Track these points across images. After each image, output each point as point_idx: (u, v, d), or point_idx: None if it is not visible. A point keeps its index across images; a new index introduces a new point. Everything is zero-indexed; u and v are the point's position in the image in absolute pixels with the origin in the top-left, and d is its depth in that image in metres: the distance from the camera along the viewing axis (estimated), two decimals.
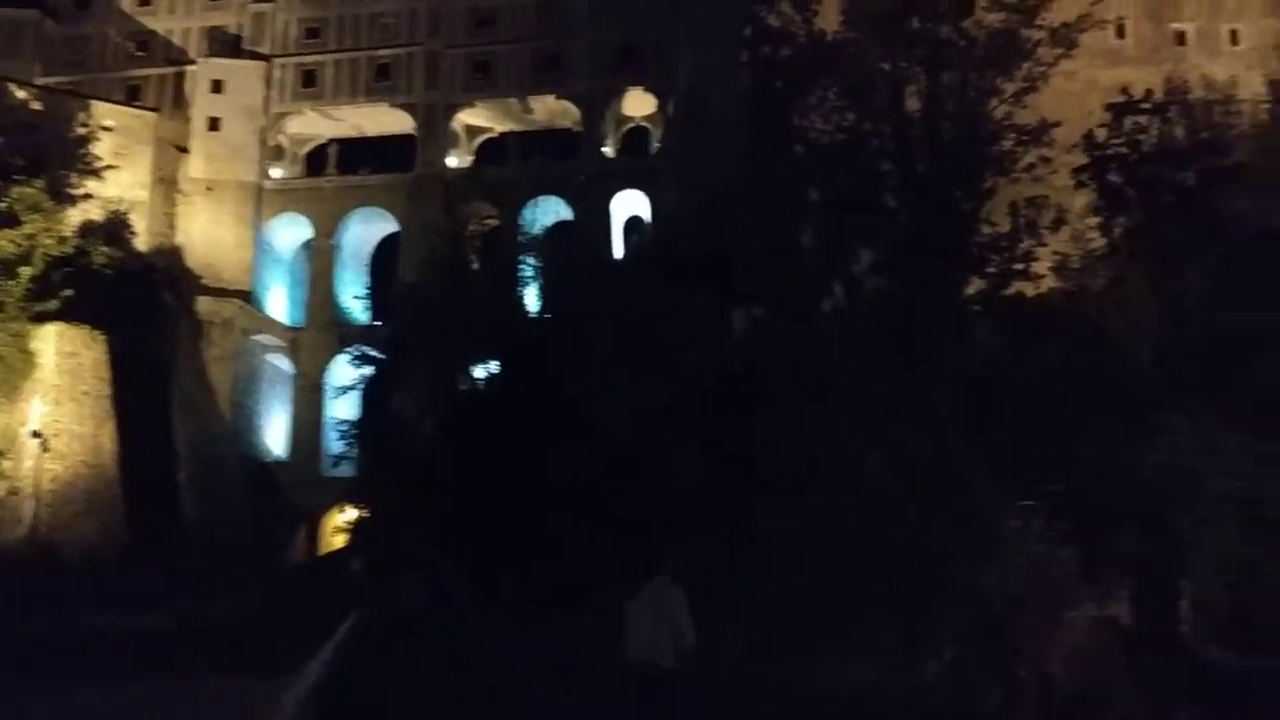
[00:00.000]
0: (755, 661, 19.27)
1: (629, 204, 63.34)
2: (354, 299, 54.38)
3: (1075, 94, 40.74)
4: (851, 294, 30.16)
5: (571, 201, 60.61)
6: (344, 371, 52.59)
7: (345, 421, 48.00)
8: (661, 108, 62.38)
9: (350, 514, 46.42)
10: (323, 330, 64.64)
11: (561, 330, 31.30)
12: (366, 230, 70.50)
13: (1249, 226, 29.47)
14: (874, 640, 22.10)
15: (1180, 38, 44.32)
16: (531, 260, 36.71)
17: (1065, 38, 29.48)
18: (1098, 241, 31.22)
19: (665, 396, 24.58)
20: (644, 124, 67.43)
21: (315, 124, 70.86)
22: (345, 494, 46.54)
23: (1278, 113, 39.58)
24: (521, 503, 26.49)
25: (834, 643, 20.80)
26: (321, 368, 64.23)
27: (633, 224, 62.51)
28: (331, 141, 72.37)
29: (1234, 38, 44.45)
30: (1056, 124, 29.61)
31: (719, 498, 22.81)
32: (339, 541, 53.71)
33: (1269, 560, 25.93)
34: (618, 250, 55.26)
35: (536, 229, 41.73)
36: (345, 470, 45.66)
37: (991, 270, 29.67)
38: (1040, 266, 30.64)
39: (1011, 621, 24.14)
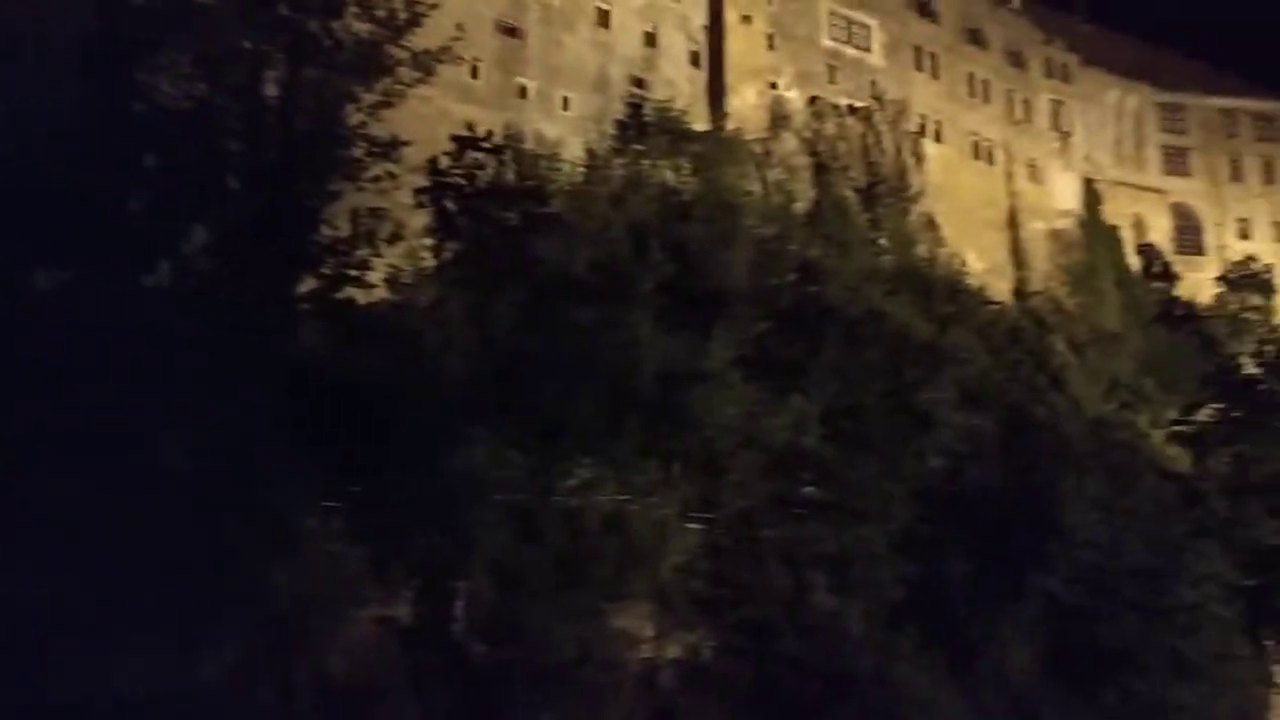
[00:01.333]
0: None
1: None
2: None
3: (427, 120, 42.99)
4: (180, 272, 28.41)
5: None
6: None
7: None
8: None
9: None
10: None
11: None
12: None
13: (554, 269, 33.46)
14: (152, 637, 20.83)
15: (523, 92, 49.20)
16: None
17: (425, 64, 30.97)
18: (429, 261, 33.09)
19: None
20: None
21: None
22: None
23: (590, 175, 45.69)
24: None
25: (102, 640, 19.11)
26: None
27: None
28: None
29: (566, 103, 50.52)
30: (407, 143, 30.94)
31: None
32: None
33: (537, 566, 29.42)
34: None
35: None
36: None
37: (327, 271, 29.97)
38: (374, 276, 31.72)
39: (298, 620, 24.37)
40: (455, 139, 32.79)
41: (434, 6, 31.46)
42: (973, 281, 57.18)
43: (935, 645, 34.42)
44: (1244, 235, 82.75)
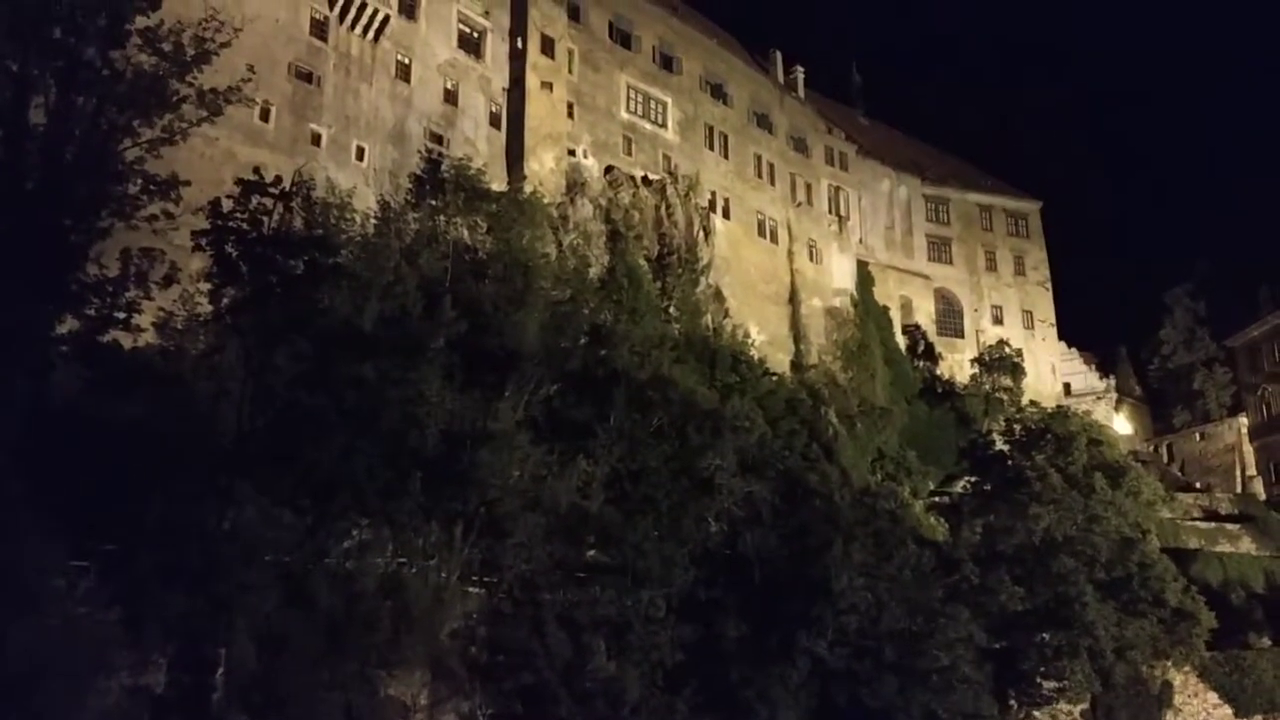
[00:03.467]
0: None
1: None
2: None
3: (211, 160, 41.34)
4: None
5: None
6: None
7: None
8: None
9: None
10: None
11: None
12: None
13: (339, 321, 32.49)
14: None
15: (316, 139, 47.98)
16: None
17: (212, 103, 29.81)
18: (205, 306, 31.53)
19: None
20: None
21: None
22: None
23: (382, 228, 44.87)
24: None
25: None
26: None
27: None
28: None
29: (360, 153, 49.58)
30: (187, 183, 29.56)
31: None
32: None
33: (306, 631, 28.06)
34: None
35: None
36: None
37: (91, 313, 28.12)
38: (143, 319, 29.94)
39: (37, 687, 22.29)
40: (240, 182, 31.48)
41: (225, 45, 30.39)
42: (755, 352, 59.52)
43: (710, 707, 34.95)
44: (997, 321, 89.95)
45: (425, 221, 45.94)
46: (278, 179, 32.91)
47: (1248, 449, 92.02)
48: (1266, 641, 55.38)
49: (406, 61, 53.23)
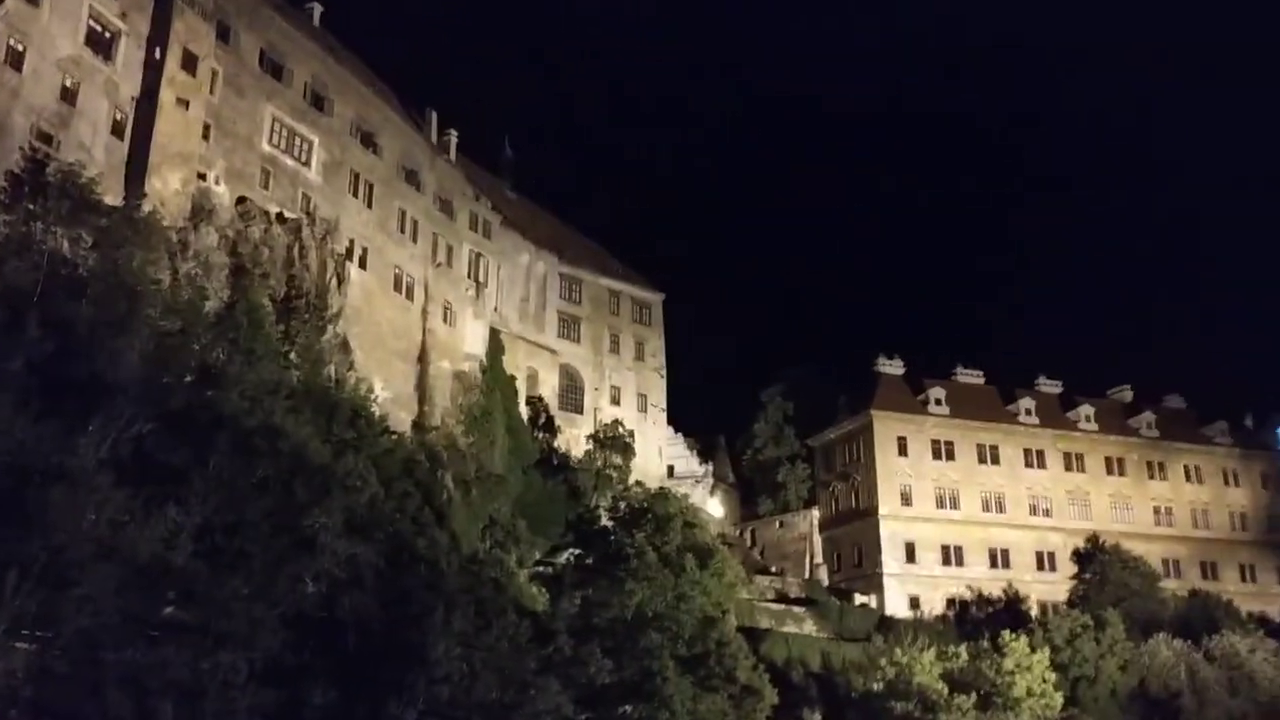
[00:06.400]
0: None
1: None
2: None
3: None
4: None
5: None
6: None
7: None
8: None
9: None
10: None
11: None
12: None
13: None
14: None
15: None
16: None
17: None
18: None
19: None
20: None
21: None
22: None
23: None
24: None
25: None
26: None
27: None
28: None
29: None
30: None
31: None
32: None
33: None
34: None
35: None
36: None
37: None
38: None
39: None
40: None
41: None
42: (377, 409, 58.18)
43: None
44: (615, 401, 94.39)
45: (18, 226, 41.04)
46: None
47: (817, 539, 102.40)
48: (818, 717, 61.10)
49: (20, 48, 47.75)
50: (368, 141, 70.01)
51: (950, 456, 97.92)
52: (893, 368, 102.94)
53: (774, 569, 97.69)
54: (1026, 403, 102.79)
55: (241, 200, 58.07)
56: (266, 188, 60.56)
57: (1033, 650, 64.84)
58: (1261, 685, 70.72)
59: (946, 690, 59.19)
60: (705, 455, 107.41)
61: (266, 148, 61.32)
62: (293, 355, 55.10)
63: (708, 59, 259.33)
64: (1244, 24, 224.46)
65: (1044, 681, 63.21)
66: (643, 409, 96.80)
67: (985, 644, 66.71)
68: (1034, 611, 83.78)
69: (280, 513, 36.82)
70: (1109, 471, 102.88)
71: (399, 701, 36.02)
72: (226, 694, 32.09)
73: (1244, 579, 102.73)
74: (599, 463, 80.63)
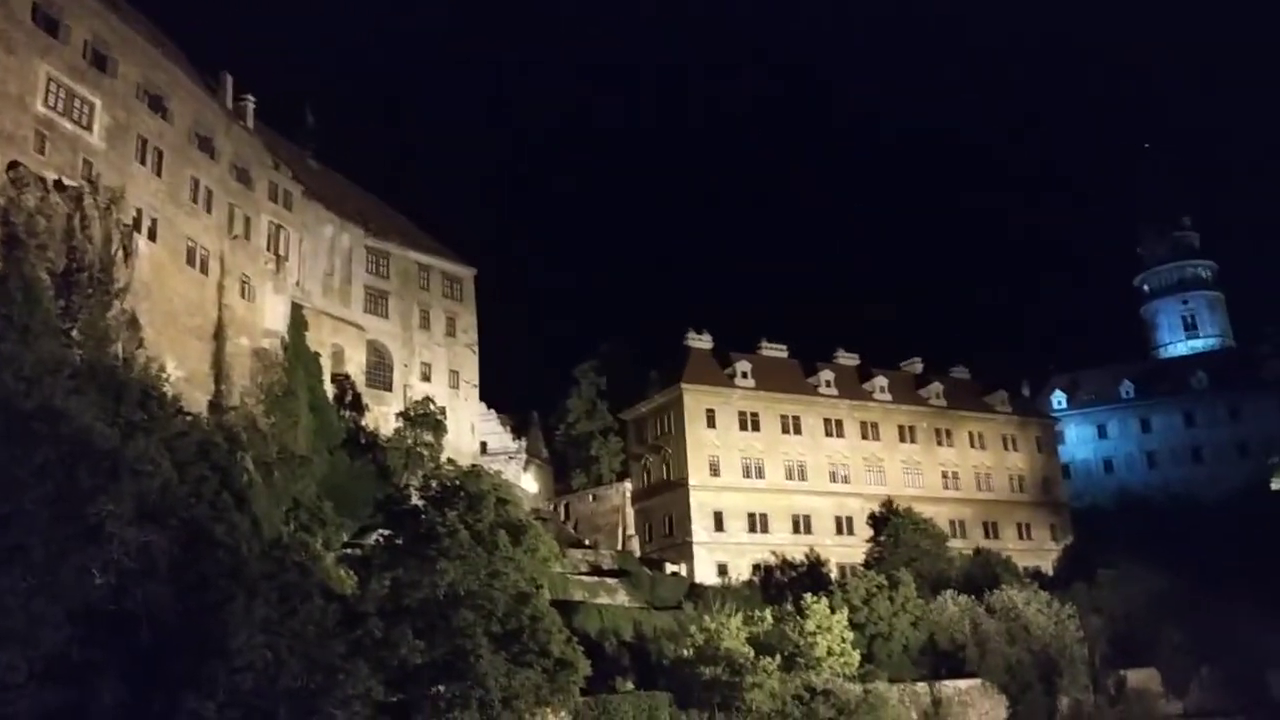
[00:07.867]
0: None
1: None
2: None
3: None
4: None
5: None
6: None
7: None
8: None
9: None
10: None
11: None
12: None
13: None
14: None
15: None
16: None
17: None
18: None
19: None
20: None
21: None
22: None
23: None
24: None
25: None
26: None
27: None
28: None
29: None
30: None
31: None
32: None
33: None
34: None
35: None
36: None
37: None
38: None
39: None
40: None
41: None
42: (169, 389, 55.21)
43: None
44: (425, 378, 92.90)
45: None
46: None
47: (630, 511, 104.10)
48: (630, 685, 62.15)
49: None
50: (156, 105, 65.89)
51: (756, 427, 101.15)
52: (702, 342, 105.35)
53: (588, 542, 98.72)
54: (826, 375, 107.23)
55: (14, 165, 53.71)
56: (42, 153, 56.16)
57: (832, 611, 68.16)
58: (1035, 634, 76.49)
59: (753, 653, 61.32)
60: (519, 431, 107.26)
61: (41, 109, 56.81)
62: (75, 333, 51.56)
63: (519, 18, 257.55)
64: (1243, 24, 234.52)
65: (843, 641, 66.54)
66: (455, 385, 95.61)
67: (789, 607, 69.61)
68: (834, 574, 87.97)
69: (62, 501, 34.55)
70: (901, 439, 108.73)
71: (197, 694, 34.60)
72: (3, 696, 30.06)
73: (1021, 536, 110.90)
74: (409, 441, 79.14)
